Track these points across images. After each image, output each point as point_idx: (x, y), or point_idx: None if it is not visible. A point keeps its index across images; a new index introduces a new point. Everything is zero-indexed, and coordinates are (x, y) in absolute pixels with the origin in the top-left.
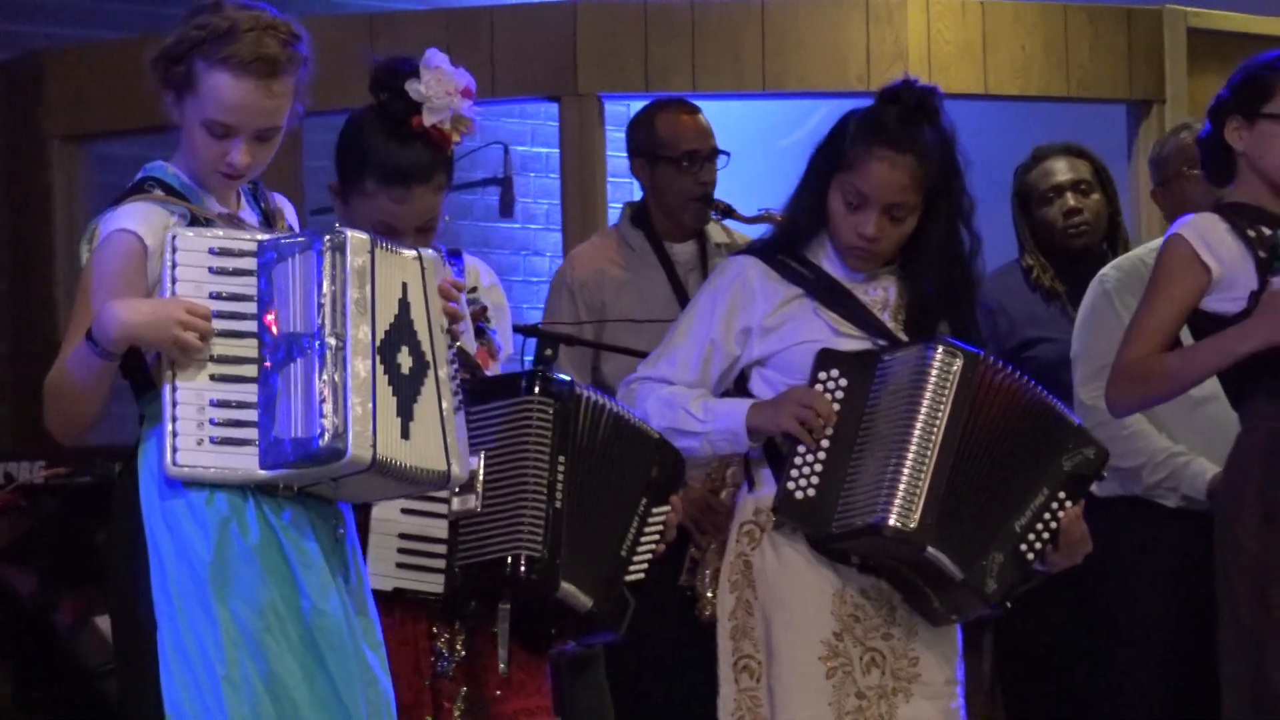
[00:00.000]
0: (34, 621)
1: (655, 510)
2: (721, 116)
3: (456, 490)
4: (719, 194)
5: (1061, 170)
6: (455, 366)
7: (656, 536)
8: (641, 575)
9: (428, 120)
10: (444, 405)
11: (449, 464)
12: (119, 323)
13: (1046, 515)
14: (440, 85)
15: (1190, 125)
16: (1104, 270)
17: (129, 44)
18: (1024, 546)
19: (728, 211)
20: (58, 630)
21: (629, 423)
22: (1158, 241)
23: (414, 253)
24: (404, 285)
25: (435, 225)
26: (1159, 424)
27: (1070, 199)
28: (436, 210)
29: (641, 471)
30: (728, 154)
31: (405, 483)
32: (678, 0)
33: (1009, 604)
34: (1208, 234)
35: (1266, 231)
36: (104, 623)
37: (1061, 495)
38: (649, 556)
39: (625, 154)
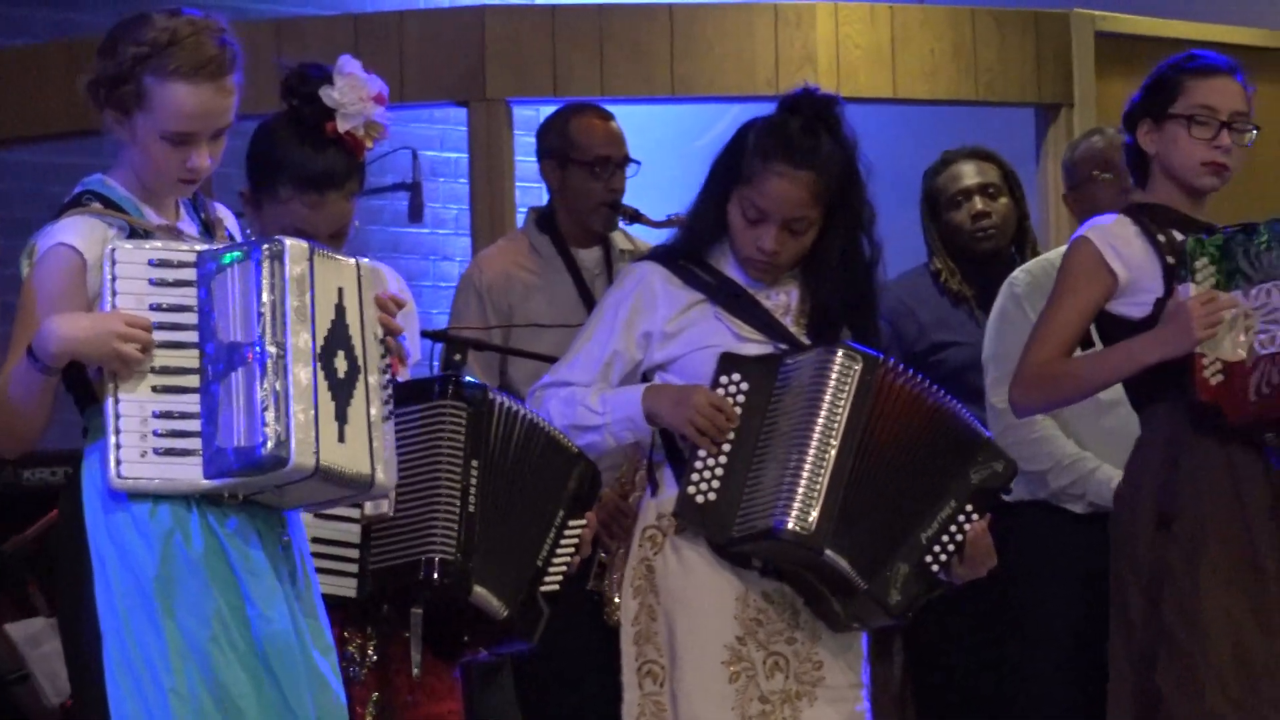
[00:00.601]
0: None
1: (572, 523)
2: (630, 121)
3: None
4: (628, 198)
5: (969, 174)
6: (387, 377)
7: (572, 549)
8: (556, 586)
9: (341, 126)
10: (372, 411)
11: (373, 469)
12: (58, 338)
13: (953, 528)
14: (353, 92)
15: (1102, 130)
16: (1013, 274)
17: (35, 51)
18: (929, 558)
19: (635, 216)
20: None
21: (544, 431)
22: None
23: (353, 261)
24: (340, 290)
25: (347, 231)
26: (1067, 428)
27: (978, 203)
28: (349, 216)
29: (559, 483)
30: (638, 163)
31: (343, 487)
32: (585, 5)
33: (910, 615)
34: (1115, 237)
35: (1178, 236)
36: (15, 630)
37: (969, 508)
38: (564, 568)
39: (534, 159)
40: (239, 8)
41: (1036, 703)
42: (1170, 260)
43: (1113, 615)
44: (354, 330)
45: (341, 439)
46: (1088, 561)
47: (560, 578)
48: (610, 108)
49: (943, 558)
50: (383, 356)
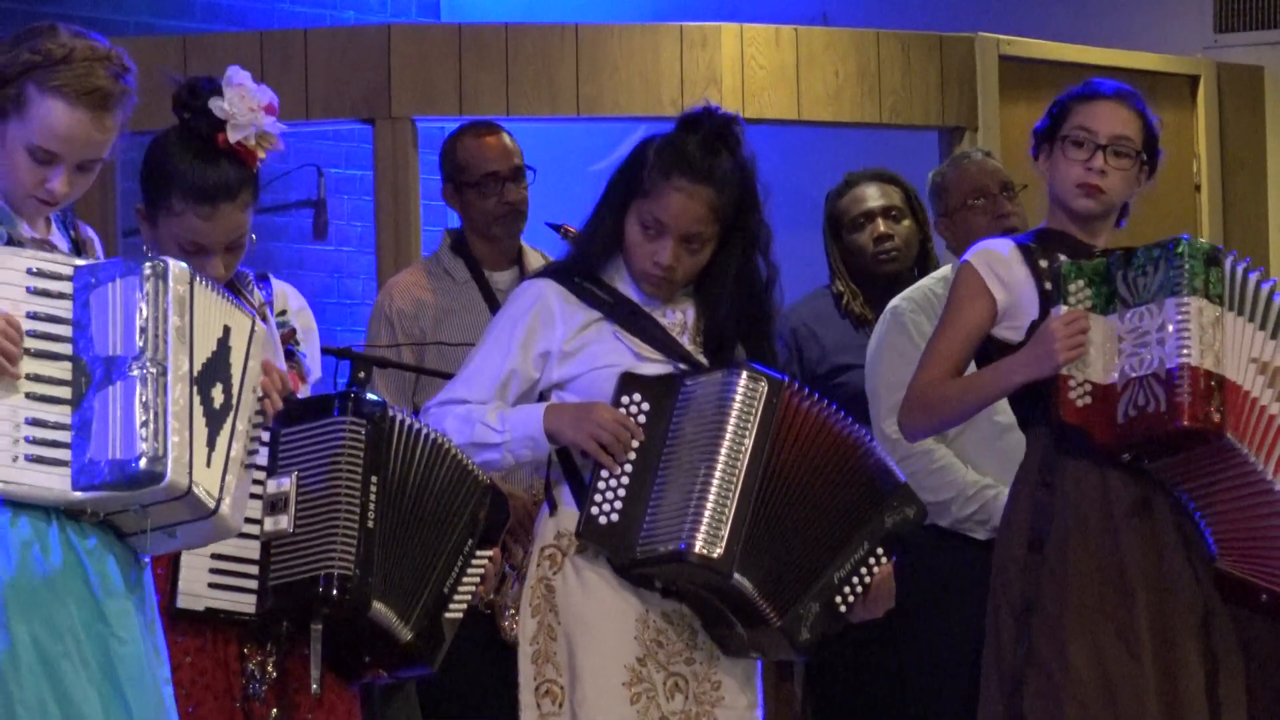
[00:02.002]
0: None
1: (480, 552)
2: (537, 140)
3: (269, 510)
4: (534, 218)
5: (873, 196)
6: (258, 435)
7: (478, 578)
8: (459, 614)
9: (232, 137)
10: (234, 449)
11: (220, 500)
12: None
13: (863, 569)
14: (243, 102)
15: (970, 154)
16: (895, 301)
17: None
18: (839, 599)
19: (569, 235)
20: None
21: (452, 454)
22: (945, 270)
23: (251, 316)
24: (225, 328)
25: (243, 243)
26: (964, 454)
27: (881, 225)
28: (244, 227)
29: (466, 509)
30: (533, 169)
31: (195, 512)
32: (492, 25)
33: (814, 652)
34: (995, 262)
35: (1063, 259)
36: None
37: (879, 551)
38: (468, 597)
39: (438, 177)
40: (147, 23)
41: None
42: (1047, 286)
43: (986, 639)
44: (235, 373)
45: (208, 464)
46: (986, 588)
47: (464, 605)
48: (515, 126)
49: (850, 599)
50: (257, 412)
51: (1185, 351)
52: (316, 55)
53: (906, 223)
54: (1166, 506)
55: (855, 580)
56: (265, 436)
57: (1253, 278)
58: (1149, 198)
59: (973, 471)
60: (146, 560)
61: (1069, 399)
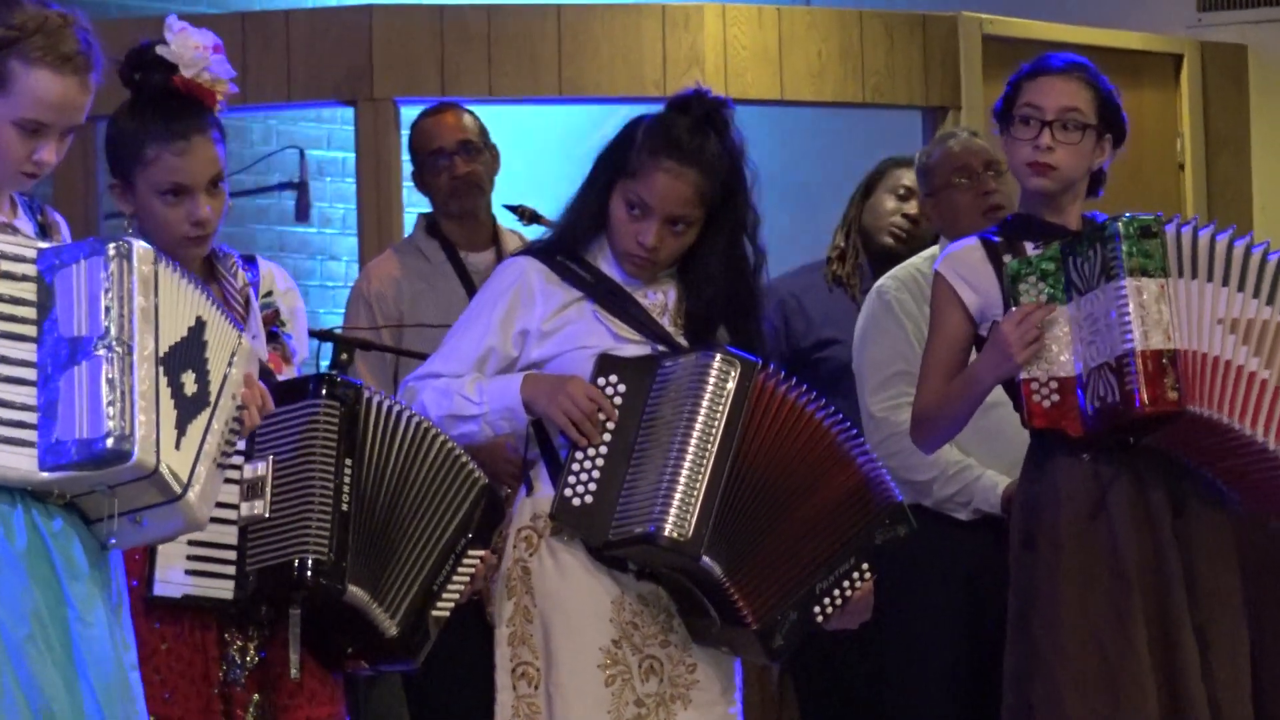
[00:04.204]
0: None
1: (471, 551)
2: (520, 121)
3: (246, 494)
4: (518, 199)
5: (906, 179)
6: (234, 443)
7: (468, 578)
8: (446, 613)
9: (186, 75)
10: (208, 444)
11: (188, 486)
12: None
13: (846, 583)
14: (187, 43)
15: (956, 133)
16: (881, 281)
17: None
18: (818, 609)
19: (534, 217)
20: None
21: (442, 442)
22: (933, 250)
23: (240, 331)
24: (200, 320)
25: (222, 183)
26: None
27: (913, 206)
28: (219, 164)
29: (465, 509)
30: (484, 144)
31: (163, 494)
32: (474, 6)
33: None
34: (962, 267)
35: (1008, 259)
36: None
37: (865, 567)
38: (457, 596)
39: None
40: (125, 5)
41: (914, 706)
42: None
43: (1008, 632)
44: (213, 370)
45: (177, 448)
46: (969, 568)
47: (452, 604)
48: (498, 108)
49: (829, 610)
50: (236, 419)
51: (1128, 337)
52: (298, 36)
53: (928, 224)
54: (1161, 484)
55: (837, 593)
56: (241, 445)
57: (1203, 236)
58: (1134, 177)
59: (955, 451)
60: (112, 541)
61: (1035, 403)
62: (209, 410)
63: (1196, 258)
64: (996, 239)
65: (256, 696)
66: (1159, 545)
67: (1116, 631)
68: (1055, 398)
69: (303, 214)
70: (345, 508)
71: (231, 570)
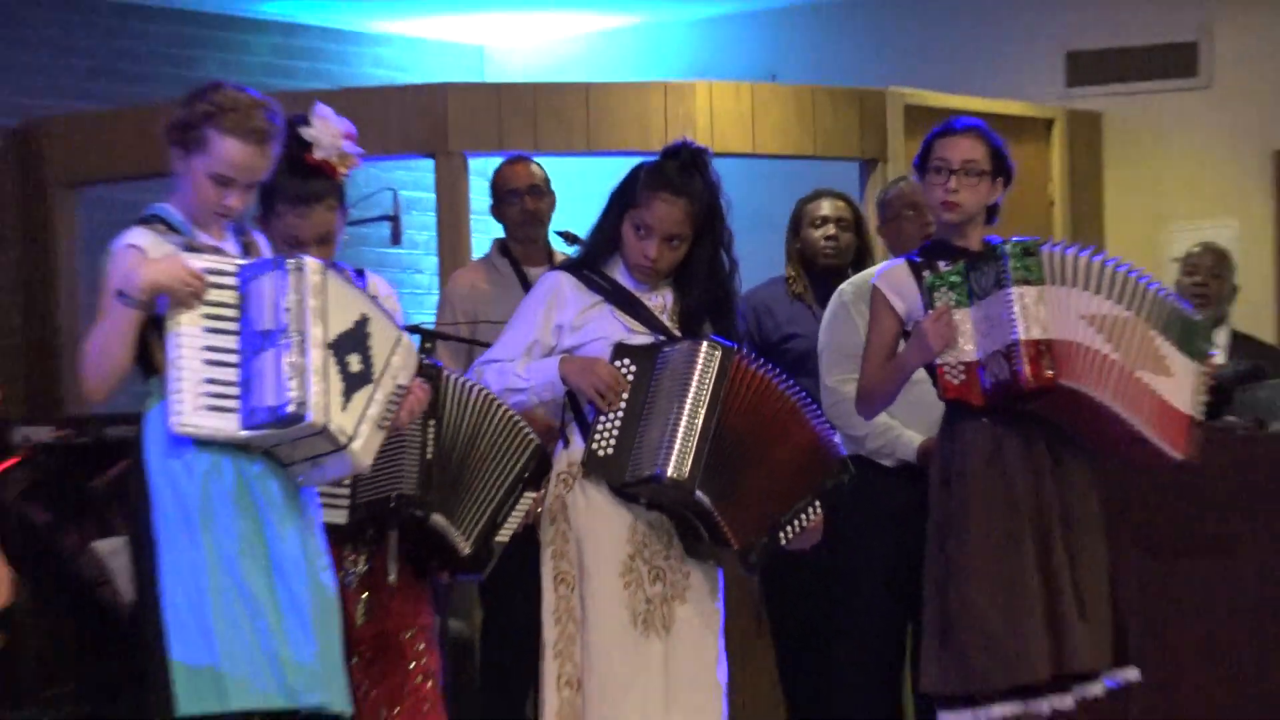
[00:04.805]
0: (46, 544)
1: (526, 494)
2: (556, 170)
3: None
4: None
5: (829, 208)
6: (393, 413)
7: (523, 512)
8: (507, 539)
9: (317, 155)
10: (371, 410)
11: (354, 437)
12: (142, 273)
13: (803, 516)
14: (325, 128)
15: (906, 178)
16: (842, 286)
17: (115, 113)
18: (782, 535)
19: (575, 240)
20: (63, 551)
21: (504, 410)
22: (883, 264)
23: (401, 330)
24: (364, 316)
25: (334, 239)
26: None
27: (831, 229)
28: (332, 226)
29: (522, 462)
30: (547, 189)
31: (332, 443)
32: (523, 84)
33: (758, 569)
34: (893, 282)
35: (943, 267)
36: (100, 546)
37: (817, 504)
38: (516, 526)
39: (485, 196)
40: (263, 83)
41: (855, 612)
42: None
43: (926, 553)
44: (376, 357)
45: (344, 410)
46: (893, 504)
47: (512, 531)
48: (541, 159)
49: (790, 535)
50: (395, 400)
51: (1014, 330)
52: (393, 106)
53: (849, 235)
54: (1042, 440)
55: (796, 523)
56: (404, 416)
57: (1070, 254)
58: (1017, 207)
59: (885, 415)
60: (300, 479)
61: (947, 380)
62: (372, 385)
63: (1065, 270)
64: (918, 259)
65: (365, 595)
66: (1040, 484)
67: (1009, 547)
68: (962, 376)
69: (395, 239)
70: (429, 456)
71: (346, 502)
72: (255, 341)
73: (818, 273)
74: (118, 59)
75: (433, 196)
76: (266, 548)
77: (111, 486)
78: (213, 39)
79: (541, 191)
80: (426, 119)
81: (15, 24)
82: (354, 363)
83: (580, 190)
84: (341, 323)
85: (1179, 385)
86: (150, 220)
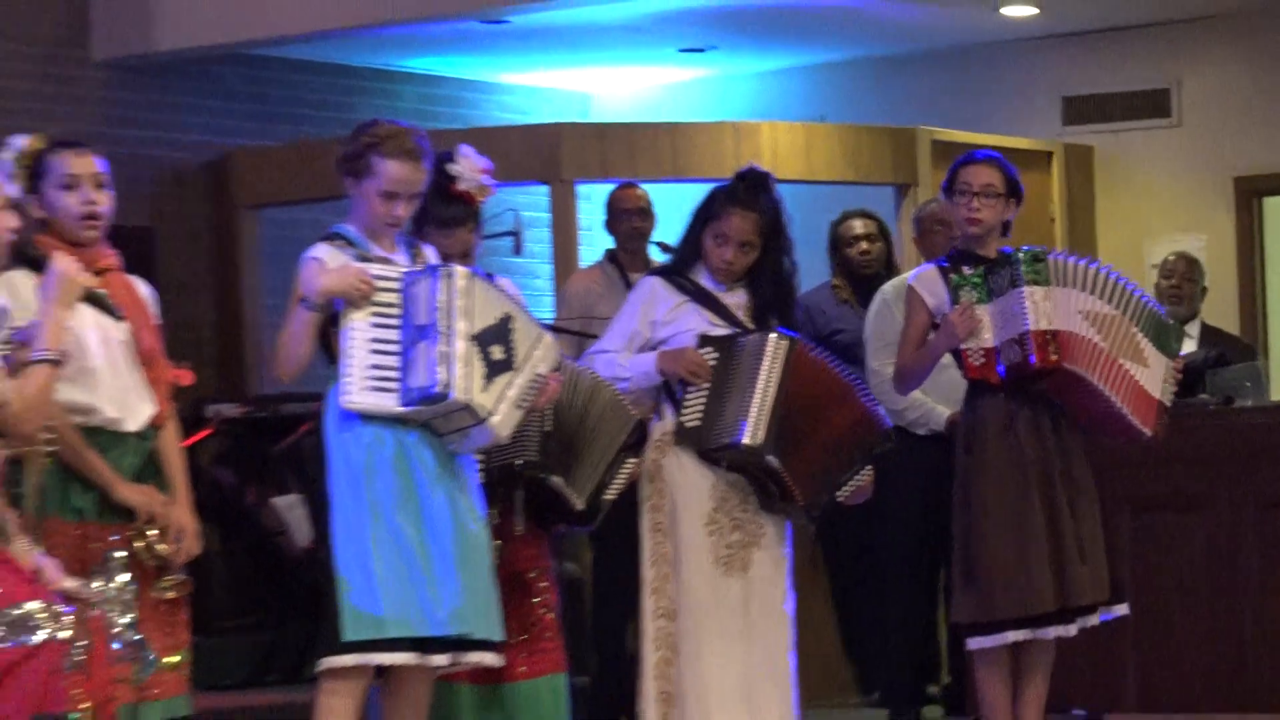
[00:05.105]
0: (232, 501)
1: (629, 460)
2: (654, 193)
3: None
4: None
5: (859, 227)
6: (531, 397)
7: (626, 475)
8: (614, 496)
9: (460, 186)
10: (510, 392)
11: (491, 413)
12: (320, 281)
13: (858, 477)
14: (467, 165)
15: (938, 199)
16: (883, 287)
17: (288, 149)
18: (839, 493)
19: (668, 248)
20: (247, 507)
21: (610, 390)
22: (917, 268)
23: (544, 330)
24: (508, 315)
25: (472, 254)
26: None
27: (864, 245)
28: (470, 244)
29: (625, 434)
30: (650, 210)
31: (473, 418)
32: (622, 124)
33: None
34: (926, 283)
35: (967, 271)
36: (278, 501)
37: (869, 467)
38: (621, 486)
39: (590, 215)
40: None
41: (895, 548)
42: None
43: (953, 506)
44: (518, 348)
45: (484, 390)
46: (926, 466)
47: (618, 490)
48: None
49: (846, 493)
50: (533, 384)
51: (1026, 322)
52: (515, 142)
53: (879, 245)
54: (1047, 415)
55: (851, 484)
56: (541, 401)
57: (1070, 261)
58: (1024, 223)
59: (919, 394)
60: (452, 447)
61: (970, 364)
62: (513, 371)
63: (1066, 274)
64: (946, 264)
65: (498, 542)
66: (1045, 450)
67: (1020, 501)
68: (982, 360)
69: (517, 250)
70: (548, 429)
71: (480, 466)
72: (412, 334)
73: (859, 280)
74: (290, 105)
75: (547, 216)
76: (419, 504)
77: (287, 453)
78: (368, 88)
79: (647, 213)
80: (543, 153)
81: (210, 79)
82: (496, 352)
83: (665, 209)
84: (485, 319)
85: (1153, 375)
86: (332, 237)
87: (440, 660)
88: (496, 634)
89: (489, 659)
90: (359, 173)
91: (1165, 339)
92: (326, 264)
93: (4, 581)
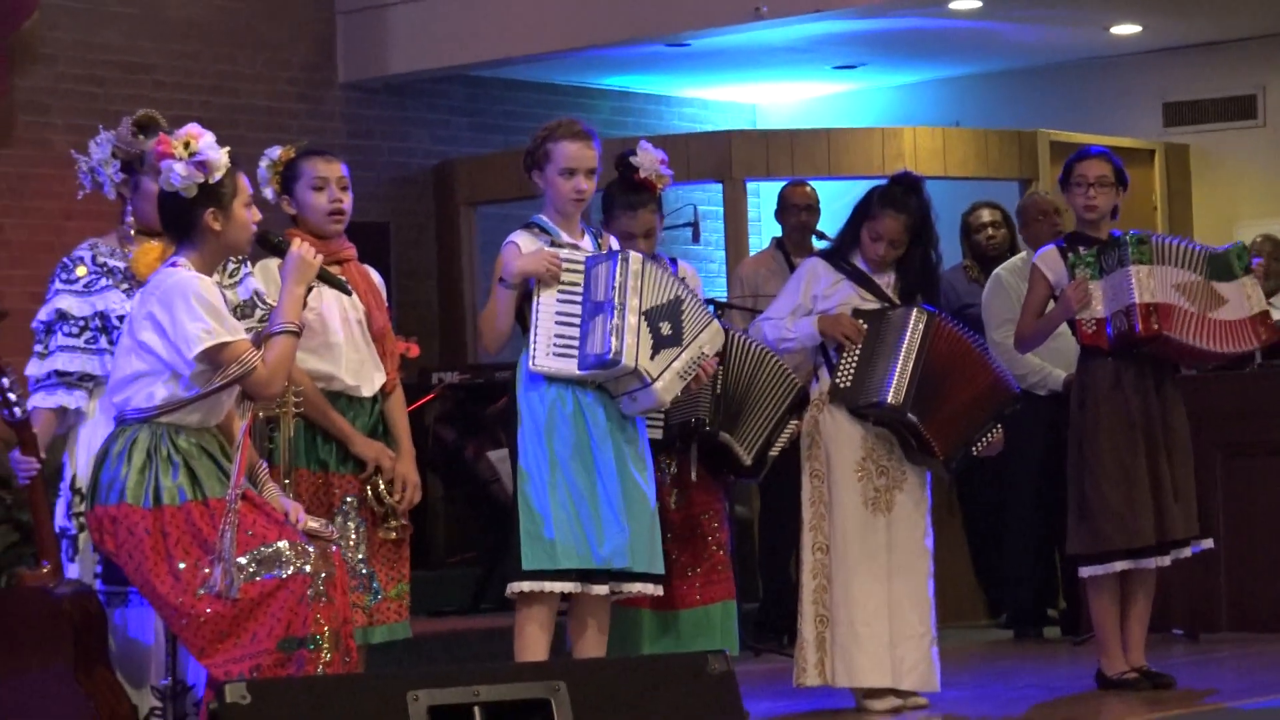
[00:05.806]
0: (453, 455)
1: (791, 421)
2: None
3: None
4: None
5: (986, 215)
6: (694, 372)
7: (788, 434)
8: (777, 453)
9: (642, 175)
10: (675, 364)
11: (658, 378)
12: (518, 264)
13: (990, 434)
14: (648, 158)
15: (1038, 191)
16: (999, 269)
17: (499, 156)
18: (974, 448)
19: (825, 237)
20: (465, 460)
21: (775, 359)
22: (1025, 254)
23: (715, 317)
24: (677, 297)
25: (654, 235)
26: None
27: (990, 231)
28: (653, 224)
29: (787, 394)
30: (817, 205)
31: (640, 381)
32: (784, 130)
33: (955, 472)
34: (1047, 261)
35: (1082, 251)
36: (492, 454)
37: (999, 425)
38: (784, 444)
39: (758, 208)
40: (605, 134)
41: (1019, 494)
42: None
43: (1068, 455)
44: (686, 328)
45: (651, 358)
46: (1046, 423)
47: (781, 446)
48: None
49: (980, 447)
50: (696, 362)
51: (1132, 295)
52: (693, 146)
53: (1004, 231)
54: (1150, 375)
55: (984, 440)
56: (704, 375)
57: (1170, 243)
58: (1130, 212)
59: (1037, 359)
60: (623, 406)
61: (1084, 331)
62: (679, 346)
63: (1166, 253)
64: (1064, 244)
65: (675, 491)
66: (1148, 406)
67: (1127, 449)
68: (1094, 328)
69: (695, 239)
70: (719, 391)
71: (661, 425)
72: (592, 309)
73: (986, 261)
74: (503, 118)
75: (721, 209)
76: (591, 455)
77: (499, 413)
78: (567, 103)
79: (813, 209)
80: (717, 156)
81: (432, 95)
82: (665, 328)
83: (821, 202)
84: (656, 299)
85: (1236, 305)
86: (530, 225)
87: (599, 590)
88: (657, 567)
89: (649, 589)
90: (540, 162)
91: (1229, 268)
92: (522, 248)
93: (257, 524)
